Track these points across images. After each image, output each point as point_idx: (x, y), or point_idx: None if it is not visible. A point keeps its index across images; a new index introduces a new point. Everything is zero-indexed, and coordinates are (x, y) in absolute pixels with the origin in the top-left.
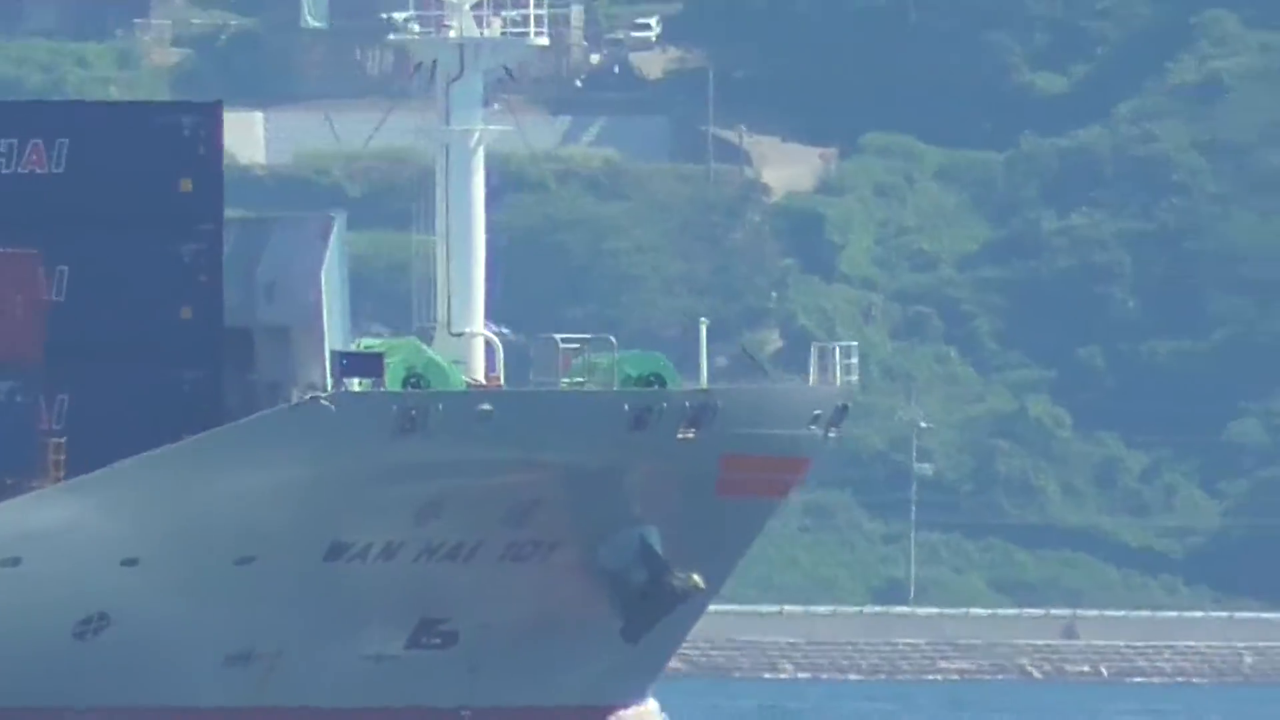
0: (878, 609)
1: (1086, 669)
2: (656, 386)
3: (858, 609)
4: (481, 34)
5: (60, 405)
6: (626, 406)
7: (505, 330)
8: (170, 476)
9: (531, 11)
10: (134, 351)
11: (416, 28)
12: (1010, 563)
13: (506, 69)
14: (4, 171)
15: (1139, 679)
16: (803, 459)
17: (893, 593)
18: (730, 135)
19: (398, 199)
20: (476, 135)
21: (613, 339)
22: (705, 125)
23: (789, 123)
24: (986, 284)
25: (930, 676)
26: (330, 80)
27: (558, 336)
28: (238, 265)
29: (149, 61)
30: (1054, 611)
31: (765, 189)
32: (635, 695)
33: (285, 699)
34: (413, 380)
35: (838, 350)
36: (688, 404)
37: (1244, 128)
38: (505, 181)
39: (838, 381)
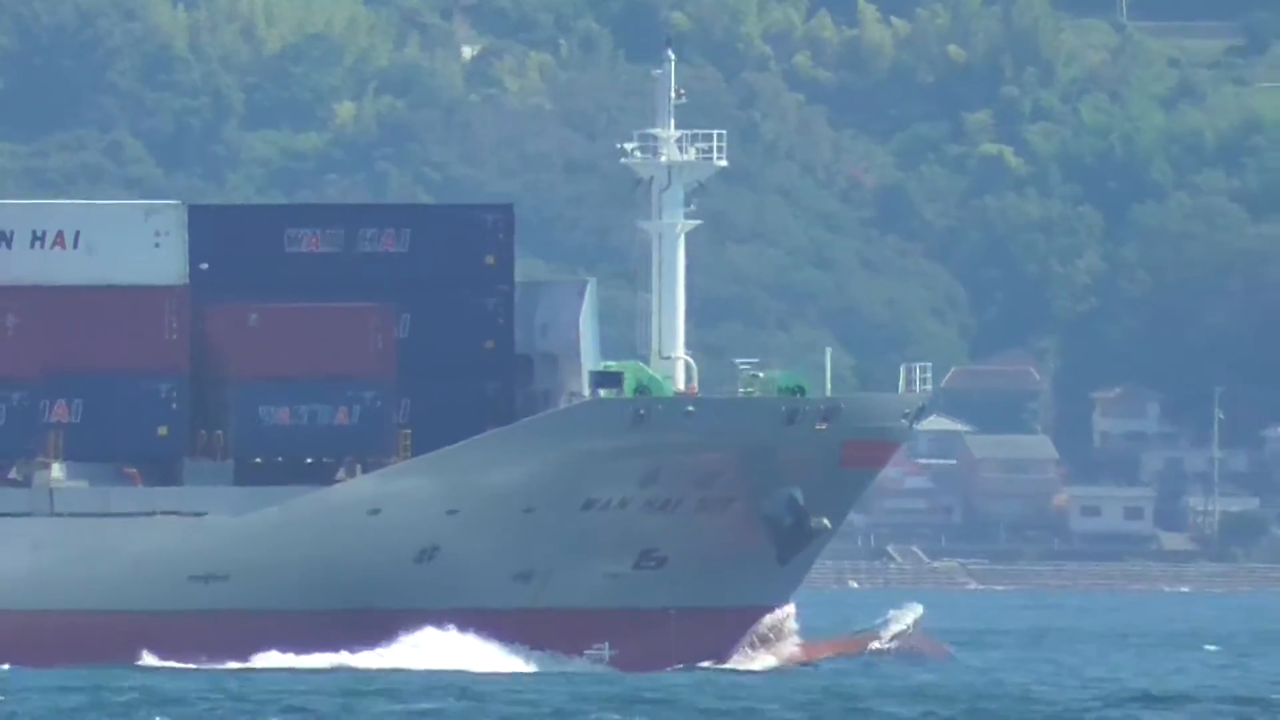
0: None
1: None
2: (799, 394)
3: None
4: (683, 158)
5: (406, 407)
6: (782, 408)
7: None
8: (481, 455)
9: (715, 143)
10: (455, 371)
11: (639, 154)
12: None
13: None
14: (369, 250)
15: None
16: (896, 442)
17: None
18: None
19: None
20: (679, 226)
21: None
22: None
23: None
24: None
25: None
26: None
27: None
28: (523, 313)
29: None
30: None
31: None
32: (784, 599)
33: (553, 603)
34: (640, 389)
35: (917, 368)
36: (822, 406)
37: None
38: None
39: (917, 390)
